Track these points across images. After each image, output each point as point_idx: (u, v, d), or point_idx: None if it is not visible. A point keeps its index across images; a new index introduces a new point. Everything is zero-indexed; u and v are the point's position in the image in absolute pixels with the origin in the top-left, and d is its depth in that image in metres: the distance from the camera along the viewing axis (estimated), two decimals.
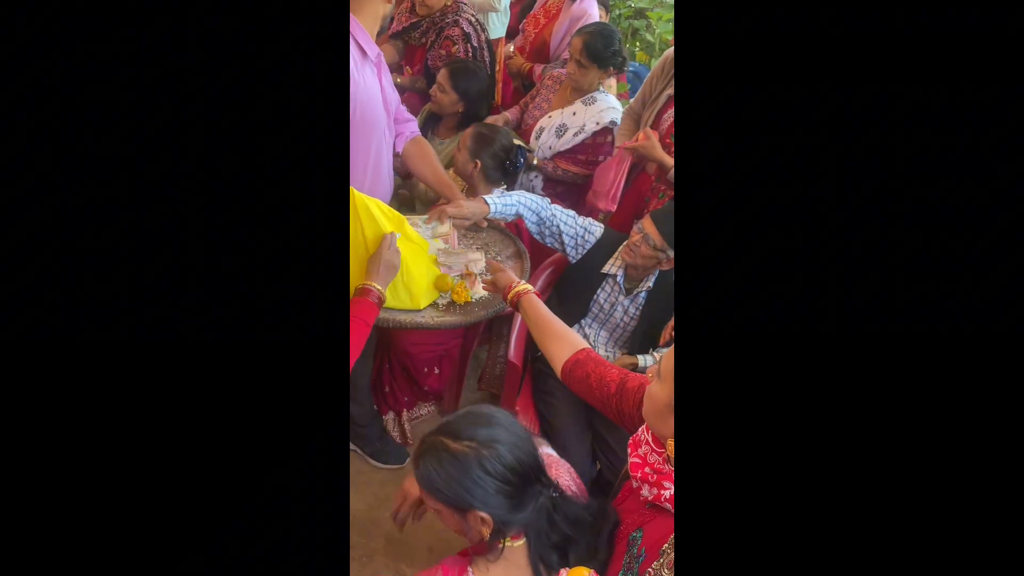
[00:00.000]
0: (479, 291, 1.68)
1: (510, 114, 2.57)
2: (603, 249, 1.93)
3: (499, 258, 1.89)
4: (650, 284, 1.92)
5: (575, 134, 2.35)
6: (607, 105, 2.33)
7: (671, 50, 2.09)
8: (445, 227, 1.87)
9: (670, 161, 2.01)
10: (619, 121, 2.30)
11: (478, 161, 2.11)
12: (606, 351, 2.03)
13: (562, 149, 2.39)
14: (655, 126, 2.11)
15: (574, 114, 2.36)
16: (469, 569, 0.93)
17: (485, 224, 1.92)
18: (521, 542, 0.93)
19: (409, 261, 1.53)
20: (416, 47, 2.65)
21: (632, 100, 2.29)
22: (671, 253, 1.79)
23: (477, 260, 1.78)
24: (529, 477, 0.91)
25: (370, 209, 1.43)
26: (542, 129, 2.41)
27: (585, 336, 2.01)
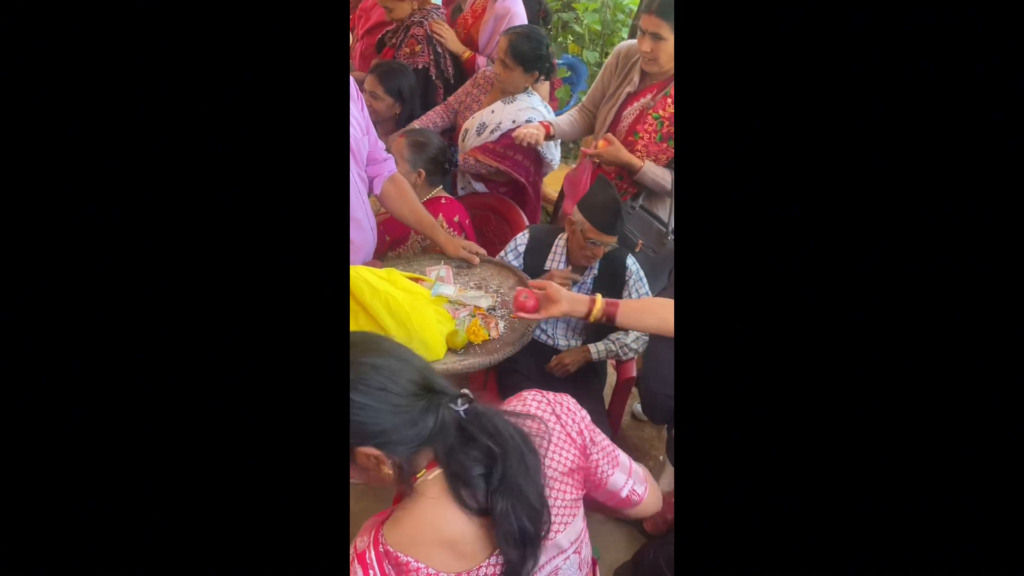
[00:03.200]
0: (495, 329, 1.64)
1: (437, 116, 2.56)
2: (540, 248, 1.98)
3: (501, 290, 1.85)
4: (595, 271, 1.96)
5: (492, 131, 2.34)
6: (526, 105, 2.32)
7: (625, 44, 2.09)
8: (440, 268, 1.86)
9: (638, 162, 2.00)
10: (535, 120, 2.28)
11: (421, 170, 2.10)
12: (567, 341, 2.06)
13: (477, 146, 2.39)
14: (615, 124, 2.09)
15: (492, 112, 2.35)
16: (382, 530, 0.80)
17: (476, 261, 1.91)
18: (436, 471, 0.80)
19: (413, 313, 1.49)
20: (390, 49, 2.62)
21: (584, 99, 2.27)
22: (604, 241, 1.83)
23: (479, 297, 1.75)
24: (419, 392, 0.79)
25: (357, 275, 1.43)
26: (467, 131, 2.40)
27: (543, 331, 2.04)
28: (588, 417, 0.96)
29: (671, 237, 2.10)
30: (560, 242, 2.00)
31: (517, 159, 2.36)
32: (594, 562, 1.10)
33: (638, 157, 2.01)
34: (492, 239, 2.39)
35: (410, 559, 0.76)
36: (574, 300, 1.45)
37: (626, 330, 2.03)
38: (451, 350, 1.56)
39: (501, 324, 1.67)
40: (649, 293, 2.05)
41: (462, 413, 0.82)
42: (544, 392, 0.96)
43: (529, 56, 2.21)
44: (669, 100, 1.96)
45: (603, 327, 2.04)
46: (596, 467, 0.95)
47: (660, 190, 2.07)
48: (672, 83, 1.95)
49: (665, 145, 2.01)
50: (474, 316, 1.67)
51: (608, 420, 2.15)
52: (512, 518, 0.79)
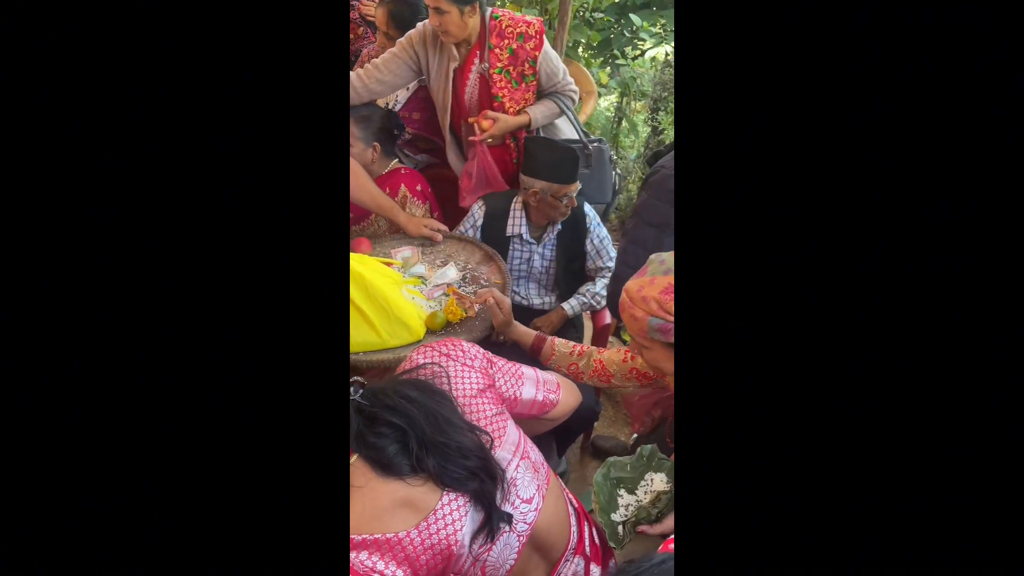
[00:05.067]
0: (471, 309, 1.62)
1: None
2: (498, 216, 1.97)
3: (469, 266, 1.83)
4: (559, 226, 1.97)
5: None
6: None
7: (412, 32, 2.03)
8: (407, 251, 1.84)
9: (525, 118, 2.02)
10: None
11: (375, 144, 2.04)
12: (541, 300, 2.08)
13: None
14: (460, 103, 2.08)
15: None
16: None
17: (440, 238, 1.89)
18: (355, 458, 0.80)
19: (389, 295, 1.49)
20: None
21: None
22: (571, 192, 1.84)
23: (446, 272, 1.74)
24: None
25: None
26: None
27: (516, 292, 2.05)
28: (480, 348, 1.02)
29: (593, 144, 2.13)
30: (517, 206, 1.99)
31: (427, 118, 2.31)
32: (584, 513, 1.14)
33: (516, 113, 2.02)
34: (457, 208, 2.36)
35: (379, 536, 0.77)
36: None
37: (593, 280, 2.05)
38: (430, 331, 1.56)
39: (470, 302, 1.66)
40: (608, 235, 2.07)
41: (358, 399, 0.83)
42: (429, 344, 1.00)
43: (410, 22, 2.14)
44: (496, 50, 1.96)
45: (575, 281, 2.06)
46: (504, 386, 1.02)
47: (554, 119, 2.09)
48: (488, 36, 1.95)
49: (524, 85, 2.02)
50: (448, 295, 1.65)
51: None
52: (449, 467, 0.82)
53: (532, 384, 1.08)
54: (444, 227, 1.94)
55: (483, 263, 1.86)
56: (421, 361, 0.96)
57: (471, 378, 0.96)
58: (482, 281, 1.78)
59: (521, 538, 0.93)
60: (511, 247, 2.00)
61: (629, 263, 1.61)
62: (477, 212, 2.02)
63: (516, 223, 1.99)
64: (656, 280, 1.07)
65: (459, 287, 1.73)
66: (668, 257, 1.11)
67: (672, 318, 1.03)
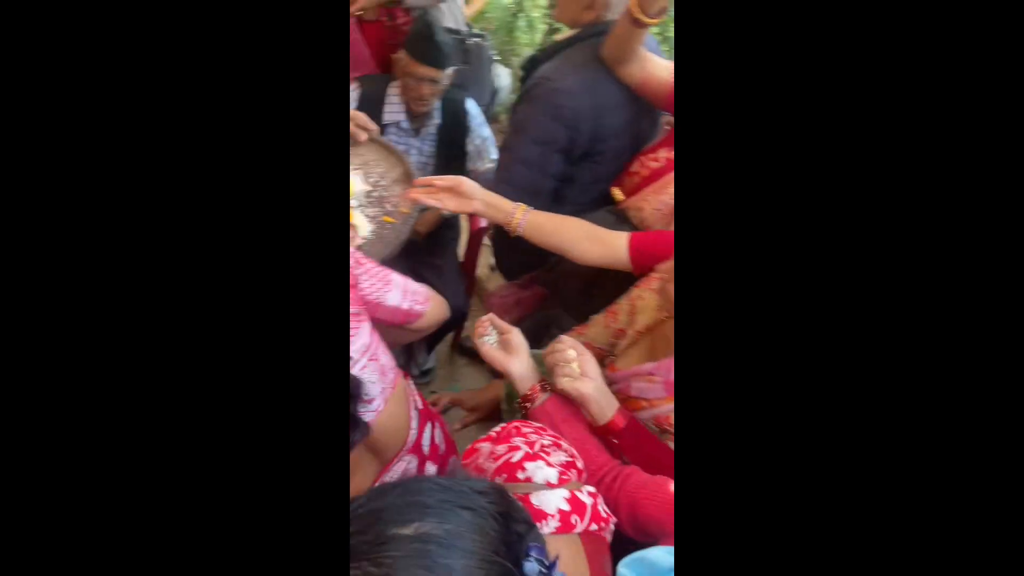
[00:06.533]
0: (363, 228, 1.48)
1: None
2: (373, 100, 1.85)
3: (382, 183, 1.60)
4: (437, 120, 1.90)
5: None
6: None
7: None
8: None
9: None
10: None
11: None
12: None
13: None
14: None
15: None
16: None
17: (364, 137, 1.61)
18: None
19: None
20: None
21: None
22: (448, 72, 1.75)
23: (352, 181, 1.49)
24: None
25: None
26: None
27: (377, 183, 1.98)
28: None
29: (473, 40, 2.05)
30: (393, 91, 1.88)
31: None
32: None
33: None
34: None
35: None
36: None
37: None
38: None
39: (367, 226, 1.47)
40: (492, 135, 2.02)
41: None
42: None
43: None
44: None
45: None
46: (368, 288, 0.99)
47: (429, 1, 1.98)
48: None
49: None
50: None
51: (462, 271, 2.19)
52: None
53: (399, 291, 1.06)
54: (374, 127, 1.68)
55: (399, 183, 1.62)
56: None
57: None
58: (387, 206, 1.57)
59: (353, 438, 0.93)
60: (387, 136, 1.90)
61: (512, 183, 1.54)
62: (352, 95, 1.89)
63: (393, 110, 1.89)
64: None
65: (361, 205, 1.54)
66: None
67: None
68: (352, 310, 0.95)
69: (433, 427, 1.18)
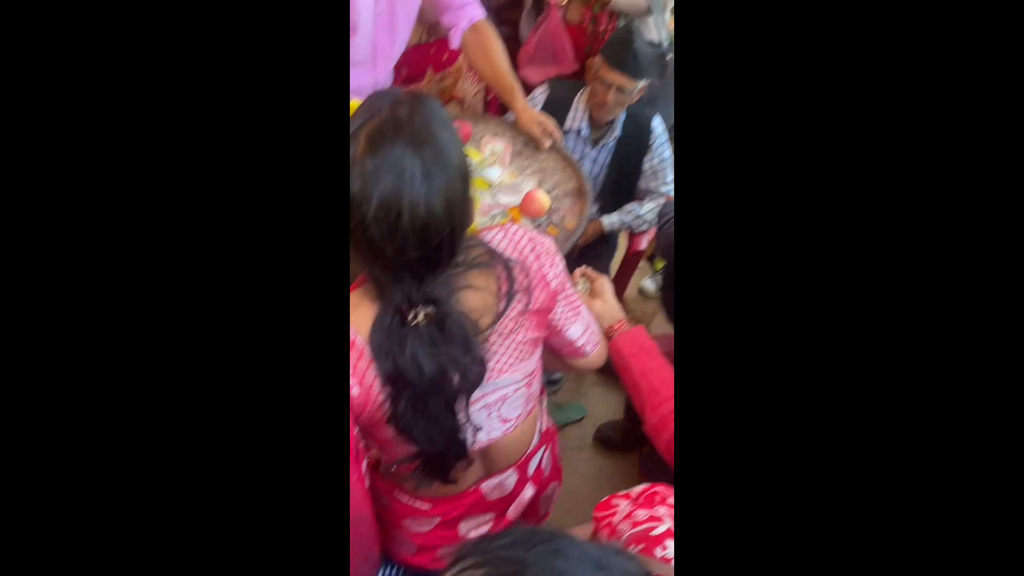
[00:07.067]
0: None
1: None
2: (560, 104, 1.82)
3: (555, 193, 1.58)
4: (617, 133, 1.84)
5: None
6: None
7: None
8: (499, 145, 1.59)
9: None
10: None
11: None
12: None
13: None
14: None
15: None
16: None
17: (547, 145, 1.61)
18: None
19: None
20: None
21: None
22: (641, 84, 1.69)
23: (519, 189, 1.50)
24: None
25: None
26: None
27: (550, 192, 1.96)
28: (564, 264, 0.95)
29: (670, 56, 1.93)
30: (581, 100, 1.85)
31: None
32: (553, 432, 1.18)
33: None
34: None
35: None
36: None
37: (641, 201, 1.93)
38: None
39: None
40: (671, 157, 1.93)
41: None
42: (528, 230, 0.92)
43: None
44: None
45: (622, 197, 1.95)
46: (560, 316, 0.98)
47: (637, 10, 1.86)
48: None
49: None
50: (507, 216, 1.49)
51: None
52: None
53: (582, 326, 1.02)
54: (559, 135, 1.65)
55: (570, 196, 1.58)
56: (514, 243, 0.87)
57: (542, 293, 0.89)
58: (552, 219, 1.52)
59: (475, 445, 0.95)
60: (565, 142, 1.88)
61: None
62: (539, 96, 1.89)
63: (577, 118, 1.86)
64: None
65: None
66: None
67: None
68: (532, 335, 0.92)
69: (545, 450, 1.16)
